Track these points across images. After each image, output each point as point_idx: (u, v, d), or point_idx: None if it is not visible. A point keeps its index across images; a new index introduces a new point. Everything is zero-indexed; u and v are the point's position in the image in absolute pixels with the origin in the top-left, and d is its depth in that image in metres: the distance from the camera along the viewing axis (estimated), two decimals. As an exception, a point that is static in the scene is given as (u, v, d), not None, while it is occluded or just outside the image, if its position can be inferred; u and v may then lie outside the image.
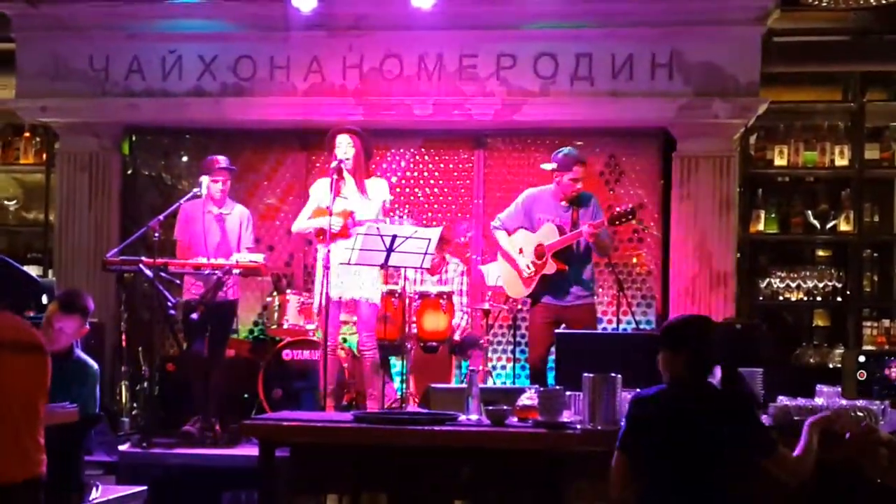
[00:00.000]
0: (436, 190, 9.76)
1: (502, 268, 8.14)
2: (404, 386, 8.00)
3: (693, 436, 4.35)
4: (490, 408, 5.44)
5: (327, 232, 7.54)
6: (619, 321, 8.68)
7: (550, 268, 7.75)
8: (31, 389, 4.61)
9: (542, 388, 5.61)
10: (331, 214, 7.58)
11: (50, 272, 9.83)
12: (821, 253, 9.93)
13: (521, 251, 7.90)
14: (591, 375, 5.19)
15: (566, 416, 5.35)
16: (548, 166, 7.99)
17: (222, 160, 8.20)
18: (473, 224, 9.65)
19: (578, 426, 5.23)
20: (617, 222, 7.71)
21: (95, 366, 5.98)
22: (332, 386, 7.85)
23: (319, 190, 7.97)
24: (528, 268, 7.81)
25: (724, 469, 4.34)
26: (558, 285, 7.80)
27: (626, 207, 7.77)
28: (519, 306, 8.96)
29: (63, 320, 5.75)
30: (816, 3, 8.55)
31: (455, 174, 9.76)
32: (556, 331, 7.25)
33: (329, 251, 7.54)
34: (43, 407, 4.71)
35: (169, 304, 7.68)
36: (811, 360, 9.29)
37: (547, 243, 7.77)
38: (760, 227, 9.55)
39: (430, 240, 7.45)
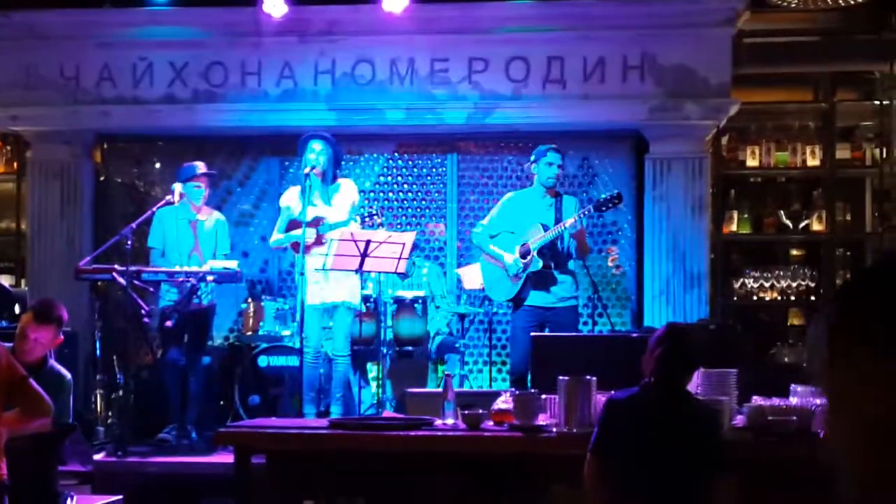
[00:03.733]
0: (409, 194, 9.76)
1: (486, 272, 8.13)
2: (380, 391, 8.00)
3: (666, 438, 4.38)
4: (466, 412, 5.44)
5: (300, 244, 7.56)
6: (594, 323, 8.69)
7: (536, 265, 7.76)
8: None
9: (517, 392, 5.62)
10: (303, 224, 7.61)
11: (22, 281, 9.77)
12: (794, 252, 9.99)
13: (507, 253, 7.90)
14: (566, 378, 5.20)
15: (542, 420, 5.36)
16: (528, 164, 8.10)
17: (202, 165, 8.21)
18: (447, 227, 9.65)
19: (554, 429, 5.24)
20: (603, 208, 7.73)
21: (69, 376, 5.95)
22: (312, 393, 7.85)
23: (290, 200, 8.00)
24: (515, 267, 7.82)
25: (697, 472, 4.38)
26: (544, 284, 7.82)
27: (610, 193, 7.79)
28: (495, 309, 8.98)
29: (38, 331, 5.73)
30: (786, 4, 8.60)
31: (428, 178, 9.77)
32: (532, 334, 7.27)
33: (303, 259, 7.56)
34: None
35: (143, 311, 7.66)
36: (786, 360, 9.32)
37: (531, 241, 7.79)
38: (733, 227, 9.59)
39: (403, 244, 7.47)
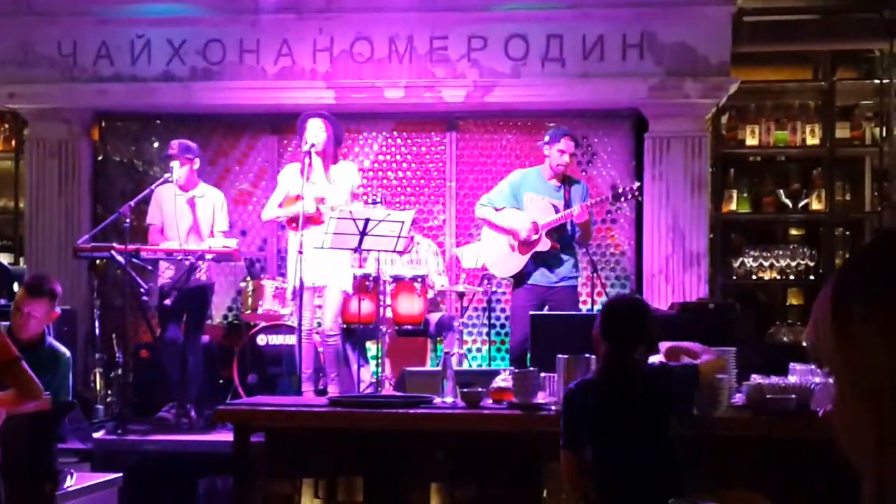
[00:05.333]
0: (408, 173, 9.74)
1: (488, 247, 8.12)
2: (379, 369, 8.00)
3: (634, 412, 4.41)
4: (465, 390, 5.44)
5: (300, 218, 7.52)
6: (593, 302, 8.69)
7: (544, 245, 7.79)
8: None
9: (516, 370, 5.62)
10: (302, 201, 7.59)
11: (21, 260, 9.76)
12: (793, 232, 9.98)
13: (517, 226, 7.90)
14: (565, 357, 5.20)
15: (541, 398, 5.36)
16: (541, 143, 8.11)
17: (174, 146, 8.13)
18: (446, 206, 9.64)
19: (553, 407, 5.24)
20: (622, 199, 7.80)
21: (68, 353, 5.95)
22: (309, 370, 7.85)
23: (288, 176, 7.98)
24: (526, 239, 7.83)
25: (668, 434, 4.43)
26: (549, 264, 7.86)
27: (631, 185, 7.85)
28: (494, 288, 8.97)
29: (31, 305, 5.73)
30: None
31: (427, 157, 9.74)
32: (531, 313, 7.27)
33: (302, 236, 7.53)
34: None
35: (141, 290, 7.65)
36: (785, 339, 9.33)
37: (542, 221, 7.81)
38: (733, 206, 9.59)
39: (402, 223, 7.45)
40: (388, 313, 8.29)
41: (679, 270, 9.02)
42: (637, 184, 7.97)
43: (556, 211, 7.82)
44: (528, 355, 7.70)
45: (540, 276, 7.89)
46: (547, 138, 8.06)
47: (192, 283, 7.86)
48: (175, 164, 8.02)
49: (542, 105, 9.26)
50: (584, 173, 9.39)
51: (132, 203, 7.83)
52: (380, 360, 8.03)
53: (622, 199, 7.84)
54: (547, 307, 7.79)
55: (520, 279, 7.95)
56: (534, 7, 9.09)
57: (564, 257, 7.92)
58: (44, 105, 9.50)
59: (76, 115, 9.57)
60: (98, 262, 8.16)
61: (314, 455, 5.56)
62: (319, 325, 8.01)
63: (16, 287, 7.69)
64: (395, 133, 9.77)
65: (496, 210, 8.03)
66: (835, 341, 1.17)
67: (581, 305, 8.98)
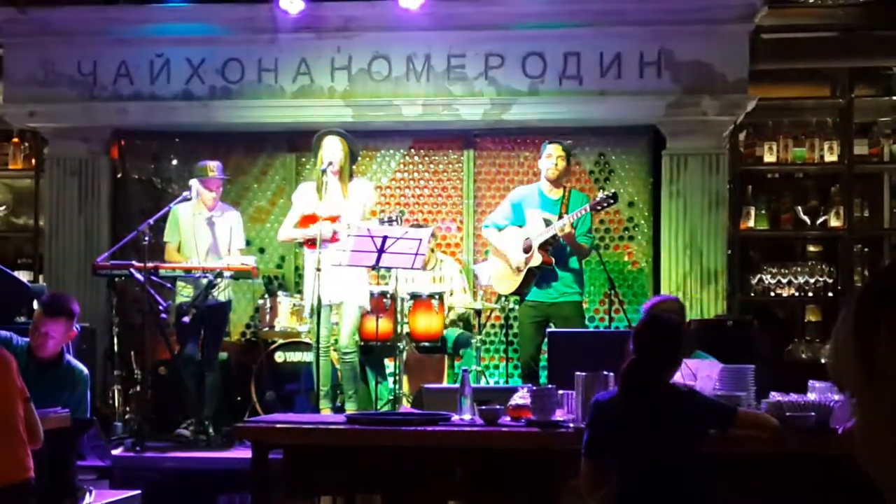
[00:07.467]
0: (426, 191, 9.75)
1: (493, 266, 8.17)
2: (397, 386, 8.00)
3: (660, 430, 4.40)
4: (483, 407, 5.44)
5: (317, 239, 7.55)
6: (610, 319, 8.68)
7: (536, 260, 7.78)
8: (2, 392, 4.61)
9: (534, 387, 5.62)
10: (319, 220, 7.62)
11: (40, 277, 9.80)
12: (811, 248, 9.94)
13: (511, 247, 7.94)
14: (583, 374, 5.20)
15: (559, 415, 5.36)
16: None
17: (215, 168, 8.18)
18: (463, 224, 9.64)
19: (571, 425, 5.23)
20: (598, 208, 7.78)
21: (86, 370, 5.98)
22: (326, 388, 7.86)
23: (303, 195, 8.00)
24: (517, 261, 7.85)
25: (692, 455, 4.42)
26: (545, 279, 7.84)
27: (606, 193, 7.79)
28: (511, 305, 8.97)
29: (49, 324, 5.75)
30: (804, -1, 8.58)
31: (445, 174, 9.75)
32: (549, 330, 7.26)
33: (320, 253, 7.54)
34: (20, 408, 4.70)
35: (160, 307, 7.68)
36: (803, 356, 9.29)
37: (534, 236, 7.82)
38: (751, 223, 9.56)
39: (420, 240, 7.45)
40: (406, 330, 8.30)
41: (697, 287, 9.00)
42: (612, 191, 7.92)
43: (548, 225, 7.82)
44: (538, 370, 7.76)
45: (539, 293, 7.89)
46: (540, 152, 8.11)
47: (211, 301, 7.89)
48: (194, 181, 8.07)
49: (559, 122, 9.26)
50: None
51: (151, 221, 7.88)
52: (397, 377, 8.03)
53: (599, 207, 7.82)
54: (552, 323, 7.79)
55: (522, 294, 7.95)
56: (551, 25, 9.10)
57: (561, 273, 7.88)
58: (64, 124, 9.55)
59: (96, 134, 9.62)
60: (117, 279, 8.19)
61: (332, 472, 5.56)
62: (337, 342, 8.02)
63: (35, 305, 7.73)
64: (412, 150, 9.79)
65: (500, 229, 8.06)
66: (858, 364, 1.17)
67: (598, 322, 8.98)
